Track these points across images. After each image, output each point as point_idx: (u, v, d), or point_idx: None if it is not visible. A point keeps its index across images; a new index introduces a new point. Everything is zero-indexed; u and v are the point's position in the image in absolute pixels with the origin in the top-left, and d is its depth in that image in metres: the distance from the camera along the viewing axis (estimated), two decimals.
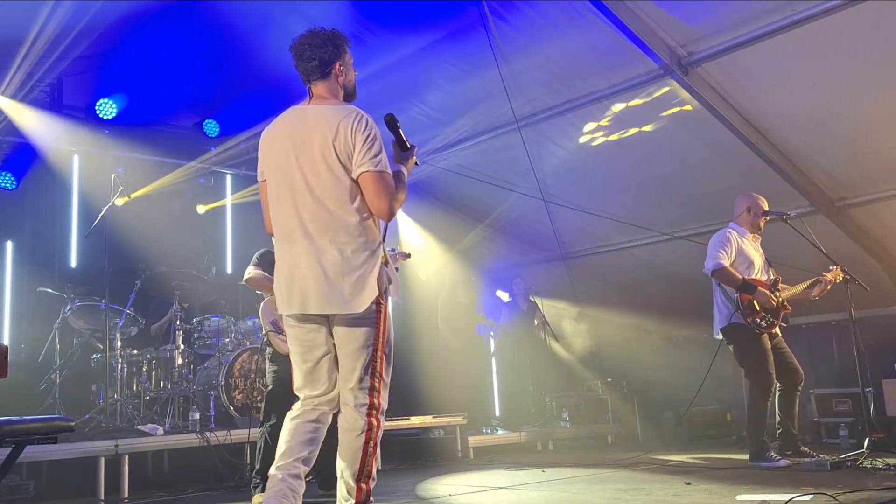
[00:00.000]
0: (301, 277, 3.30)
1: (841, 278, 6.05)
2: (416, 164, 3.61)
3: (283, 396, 5.10)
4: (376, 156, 3.26)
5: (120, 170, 7.09)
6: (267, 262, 5.19)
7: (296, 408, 3.49)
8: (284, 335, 4.96)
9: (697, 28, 6.29)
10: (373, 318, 3.29)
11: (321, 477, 5.32)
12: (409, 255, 5.49)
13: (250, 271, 5.33)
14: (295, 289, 3.33)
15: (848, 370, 7.34)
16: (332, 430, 3.49)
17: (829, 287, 6.09)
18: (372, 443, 3.26)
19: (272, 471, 3.35)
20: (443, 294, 9.56)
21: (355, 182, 3.28)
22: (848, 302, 5.97)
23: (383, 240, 3.45)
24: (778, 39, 6.03)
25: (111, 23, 7.69)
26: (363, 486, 3.25)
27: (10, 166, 7.88)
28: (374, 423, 3.28)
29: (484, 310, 10.06)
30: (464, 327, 9.46)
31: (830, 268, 6.10)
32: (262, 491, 4.88)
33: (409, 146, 3.58)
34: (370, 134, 3.28)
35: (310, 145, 3.31)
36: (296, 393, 3.54)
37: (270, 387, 5.18)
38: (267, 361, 5.27)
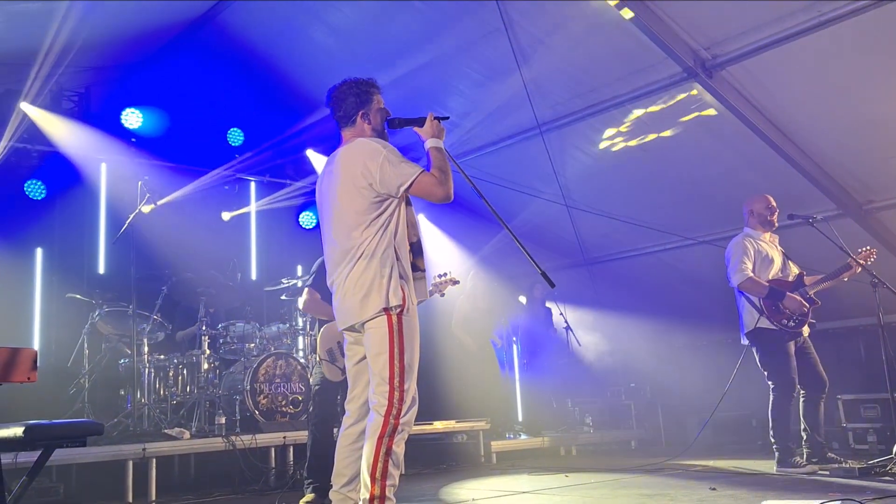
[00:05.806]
0: (340, 298, 3.68)
1: (871, 260, 5.92)
2: (440, 123, 3.81)
3: (325, 393, 5.15)
4: (401, 167, 3.56)
5: (146, 177, 7.16)
6: (321, 275, 4.97)
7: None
8: (338, 364, 5.02)
9: (722, 30, 6.26)
10: (384, 326, 3.50)
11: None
12: (457, 282, 5.68)
13: (304, 297, 5.31)
14: (337, 308, 3.73)
15: (876, 375, 7.24)
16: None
17: (857, 271, 5.93)
18: (386, 440, 3.38)
19: (331, 493, 3.71)
20: (461, 296, 9.52)
21: (368, 207, 3.57)
22: (876, 306, 5.90)
23: (416, 254, 3.72)
24: (804, 41, 5.98)
25: (138, 34, 7.81)
26: (377, 483, 3.36)
27: (39, 175, 8.02)
28: (388, 422, 3.41)
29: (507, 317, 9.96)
30: (480, 330, 9.38)
31: (860, 250, 5.96)
32: (313, 492, 4.91)
33: (422, 118, 3.79)
34: (385, 154, 3.57)
35: (336, 185, 3.69)
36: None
37: (317, 386, 5.23)
38: (317, 363, 5.30)
